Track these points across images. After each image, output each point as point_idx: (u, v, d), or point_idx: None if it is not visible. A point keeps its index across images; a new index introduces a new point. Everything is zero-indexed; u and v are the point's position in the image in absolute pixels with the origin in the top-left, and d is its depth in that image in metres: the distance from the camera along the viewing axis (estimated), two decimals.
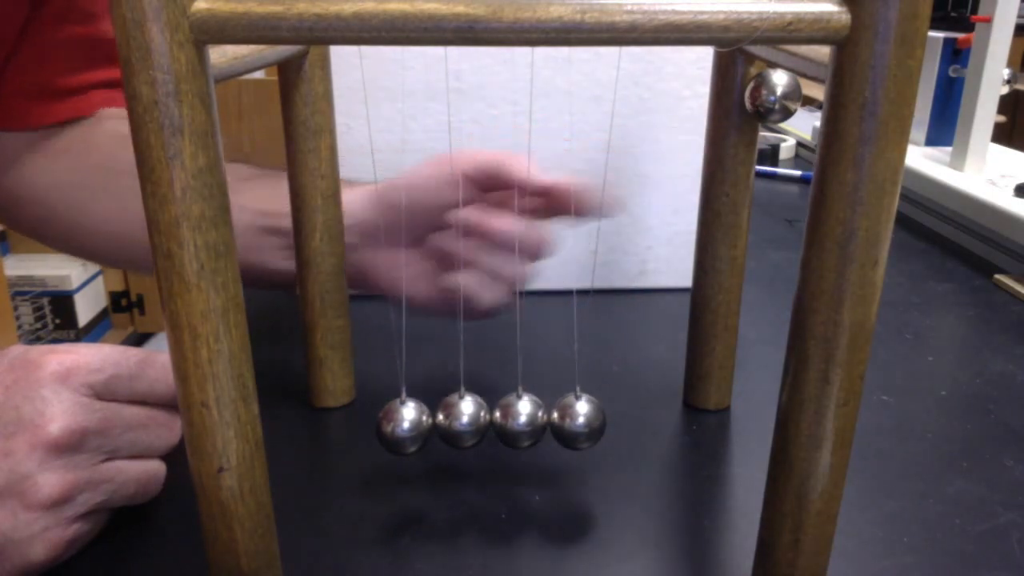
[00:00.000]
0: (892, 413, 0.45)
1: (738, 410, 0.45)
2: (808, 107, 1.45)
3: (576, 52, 0.55)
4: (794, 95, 0.36)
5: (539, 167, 0.42)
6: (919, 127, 0.90)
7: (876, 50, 0.22)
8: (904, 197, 0.81)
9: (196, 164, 0.23)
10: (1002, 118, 1.31)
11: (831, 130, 0.24)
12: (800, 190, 0.93)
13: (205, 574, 0.29)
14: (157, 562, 0.34)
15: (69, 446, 0.31)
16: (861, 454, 0.40)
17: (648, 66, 0.55)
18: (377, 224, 0.46)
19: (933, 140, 0.89)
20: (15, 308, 1.75)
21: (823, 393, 0.26)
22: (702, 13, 0.22)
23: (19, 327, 1.77)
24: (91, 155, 0.53)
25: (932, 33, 0.82)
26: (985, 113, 0.77)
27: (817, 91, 1.03)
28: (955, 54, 0.86)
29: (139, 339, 2.04)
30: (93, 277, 1.94)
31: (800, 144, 1.08)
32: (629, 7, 0.22)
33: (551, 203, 0.42)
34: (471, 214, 0.42)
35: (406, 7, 0.22)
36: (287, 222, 0.43)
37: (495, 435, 0.35)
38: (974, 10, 1.23)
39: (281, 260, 0.48)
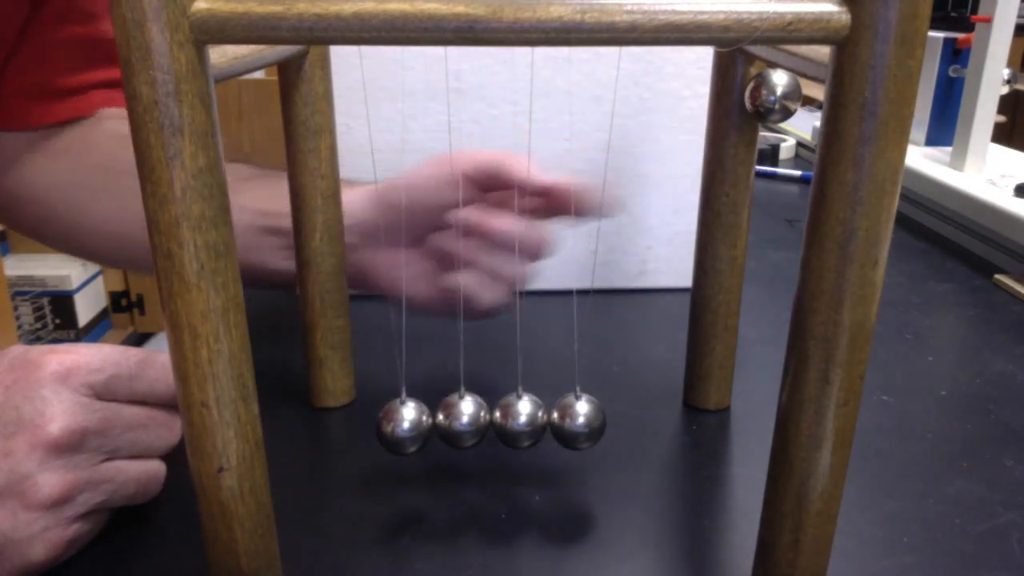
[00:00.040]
0: (892, 413, 0.45)
1: (738, 410, 0.45)
2: (808, 107, 1.44)
3: (576, 52, 0.55)
4: (794, 95, 0.36)
5: (539, 167, 0.42)
6: (919, 127, 0.90)
7: (876, 50, 0.22)
8: (904, 197, 0.81)
9: (196, 164, 0.23)
10: (1002, 118, 1.31)
11: (831, 130, 0.24)
12: (800, 190, 0.93)
13: (205, 574, 0.29)
14: (157, 562, 0.34)
15: (69, 446, 0.31)
16: (861, 454, 0.40)
17: (648, 66, 0.55)
18: (377, 224, 0.45)
19: (933, 140, 0.89)
20: (15, 308, 1.75)
21: (823, 393, 0.26)
22: (702, 13, 0.22)
23: (19, 327, 1.77)
24: (91, 155, 0.53)
25: (932, 33, 0.82)
26: (985, 113, 0.77)
27: (817, 91, 1.03)
28: (955, 54, 0.86)
29: (139, 339, 2.04)
30: (93, 277, 1.94)
31: (800, 144, 1.08)
32: (629, 7, 0.22)
33: (551, 203, 0.42)
34: (471, 214, 0.42)
35: (406, 7, 0.22)
36: (287, 222, 0.43)
37: (495, 435, 0.35)
38: (974, 10, 1.23)
39: (281, 260, 0.48)
